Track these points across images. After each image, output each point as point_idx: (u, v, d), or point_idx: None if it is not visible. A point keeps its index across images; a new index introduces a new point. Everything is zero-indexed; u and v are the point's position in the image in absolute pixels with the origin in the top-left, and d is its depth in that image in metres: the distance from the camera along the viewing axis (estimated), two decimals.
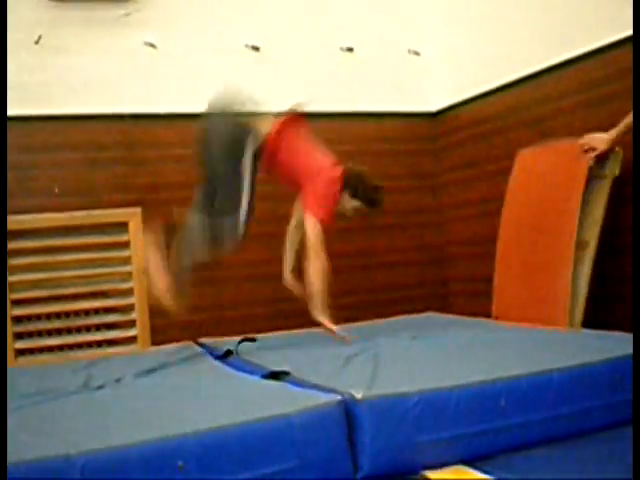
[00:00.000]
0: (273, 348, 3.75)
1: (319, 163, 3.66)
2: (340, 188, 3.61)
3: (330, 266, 3.56)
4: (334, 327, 3.59)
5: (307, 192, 3.59)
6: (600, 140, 3.86)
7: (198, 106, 4.95)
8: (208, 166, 3.56)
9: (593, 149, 3.89)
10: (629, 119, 3.66)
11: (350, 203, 3.68)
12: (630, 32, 3.89)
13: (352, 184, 3.65)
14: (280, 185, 5.13)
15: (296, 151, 3.65)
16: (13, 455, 2.00)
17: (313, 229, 3.53)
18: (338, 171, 3.63)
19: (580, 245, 3.90)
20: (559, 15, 4.45)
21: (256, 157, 3.50)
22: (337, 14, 5.37)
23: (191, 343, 4.00)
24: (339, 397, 2.42)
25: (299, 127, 3.71)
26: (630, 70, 3.85)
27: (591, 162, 3.93)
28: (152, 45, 4.82)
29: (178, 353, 3.71)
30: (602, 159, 3.95)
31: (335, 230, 5.26)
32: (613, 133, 3.80)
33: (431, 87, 5.62)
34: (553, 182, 4.14)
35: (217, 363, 3.46)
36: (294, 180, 3.67)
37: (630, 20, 3.87)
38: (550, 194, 4.15)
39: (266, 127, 3.57)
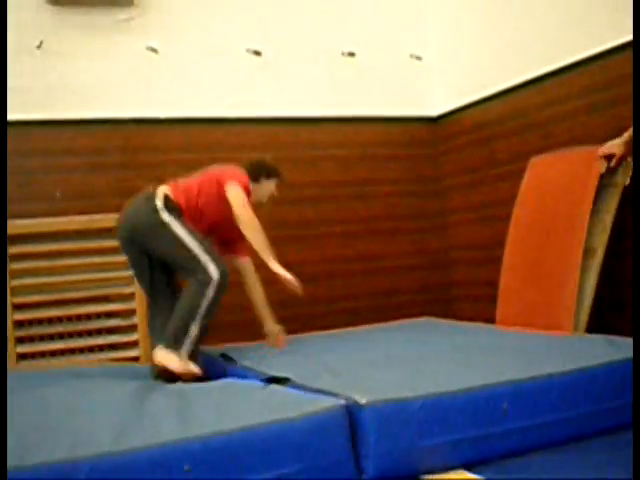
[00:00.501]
0: (274, 354, 3.75)
1: (219, 171, 3.75)
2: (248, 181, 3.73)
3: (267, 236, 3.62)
4: (288, 276, 3.62)
5: (224, 181, 3.63)
6: (617, 146, 3.85)
7: (199, 111, 4.99)
8: (144, 255, 3.59)
9: (612, 155, 3.88)
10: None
11: (264, 188, 3.89)
12: (632, 37, 3.89)
13: (258, 170, 3.87)
14: (281, 189, 5.15)
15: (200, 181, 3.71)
16: (20, 458, 2.00)
17: (235, 192, 3.56)
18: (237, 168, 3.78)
19: (588, 252, 3.91)
20: (560, 20, 4.45)
21: (172, 210, 3.49)
22: (339, 19, 5.37)
23: None
24: (343, 402, 2.42)
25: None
26: (630, 75, 3.86)
27: (603, 170, 3.94)
28: (154, 50, 4.83)
29: None
30: (614, 168, 3.96)
31: (337, 235, 5.31)
32: (626, 135, 3.79)
33: (432, 92, 5.62)
34: (564, 189, 4.15)
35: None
36: (215, 201, 3.65)
37: (631, 25, 3.88)
38: (561, 201, 4.16)
39: (162, 189, 3.59)
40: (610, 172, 3.97)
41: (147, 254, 3.58)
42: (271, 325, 4.00)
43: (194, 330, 3.36)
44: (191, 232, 3.46)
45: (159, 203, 3.48)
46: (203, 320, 3.40)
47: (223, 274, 3.41)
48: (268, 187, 3.93)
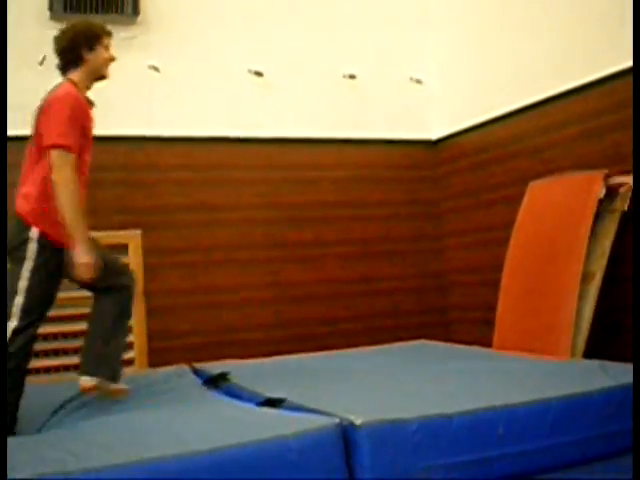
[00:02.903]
0: (271, 373, 3.73)
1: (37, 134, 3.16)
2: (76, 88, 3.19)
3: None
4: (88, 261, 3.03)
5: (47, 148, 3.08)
6: None
7: (200, 130, 5.01)
8: None
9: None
10: None
11: (93, 62, 3.23)
12: (630, 63, 3.92)
13: (73, 53, 3.21)
14: (276, 210, 5.16)
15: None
16: (12, 472, 1.99)
17: (53, 159, 3.03)
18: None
19: (586, 277, 3.91)
20: (559, 47, 4.48)
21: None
22: (340, 41, 5.41)
23: (186, 367, 3.94)
24: (337, 420, 2.41)
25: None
26: (626, 101, 3.90)
27: (602, 195, 3.95)
28: (155, 68, 4.85)
29: (173, 377, 3.68)
30: (612, 194, 3.97)
31: (336, 256, 5.31)
32: None
33: (432, 115, 5.65)
34: (563, 214, 4.16)
35: (212, 391, 3.45)
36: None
37: (629, 51, 3.92)
38: (560, 226, 4.17)
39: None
40: (609, 198, 3.98)
41: None
42: None
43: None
44: None
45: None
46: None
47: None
48: (97, 57, 3.22)
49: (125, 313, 3.25)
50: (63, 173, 3.04)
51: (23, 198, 3.13)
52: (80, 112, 3.17)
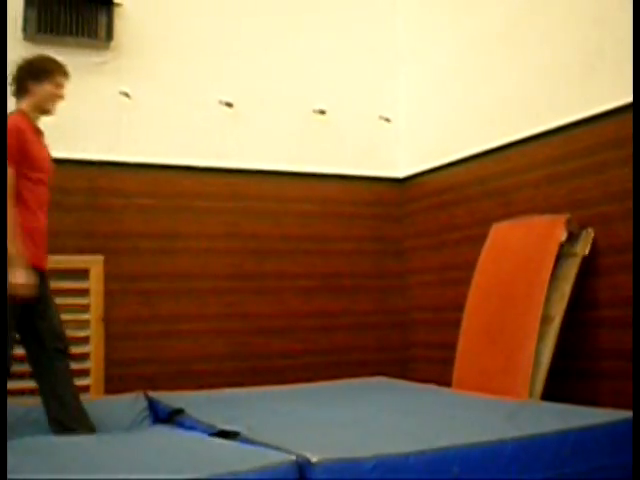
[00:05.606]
0: (226, 406, 3.69)
1: None
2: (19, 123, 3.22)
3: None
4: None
5: None
6: None
7: (167, 158, 5.00)
8: None
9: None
10: None
11: (43, 90, 3.35)
12: (592, 112, 4.03)
13: (20, 82, 3.34)
14: (239, 241, 5.15)
15: None
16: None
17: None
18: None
19: (546, 319, 3.95)
20: (527, 91, 4.57)
21: None
22: (312, 76, 5.46)
23: (141, 395, 3.89)
24: (293, 457, 2.39)
25: None
26: (591, 148, 4.00)
27: (563, 239, 4.01)
28: (126, 94, 4.85)
29: (127, 406, 3.63)
30: (573, 238, 4.03)
31: (298, 289, 5.30)
32: None
33: (400, 153, 5.71)
34: (525, 257, 4.21)
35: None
36: None
37: (593, 100, 4.02)
38: (521, 268, 4.22)
39: None
40: (570, 241, 4.05)
41: None
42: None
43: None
44: None
45: None
46: None
47: None
48: (42, 90, 3.35)
49: None
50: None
51: None
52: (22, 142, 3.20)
